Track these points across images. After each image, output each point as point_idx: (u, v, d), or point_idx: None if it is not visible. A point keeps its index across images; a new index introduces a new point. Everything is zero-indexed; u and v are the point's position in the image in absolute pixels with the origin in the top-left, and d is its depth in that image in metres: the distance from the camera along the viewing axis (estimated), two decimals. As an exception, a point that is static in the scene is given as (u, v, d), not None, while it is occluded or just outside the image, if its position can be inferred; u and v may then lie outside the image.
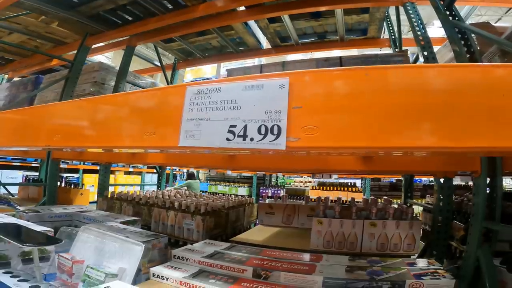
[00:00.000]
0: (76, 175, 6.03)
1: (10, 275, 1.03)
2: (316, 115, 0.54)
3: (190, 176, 5.80)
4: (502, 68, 0.49)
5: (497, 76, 0.48)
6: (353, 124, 0.52)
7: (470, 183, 2.01)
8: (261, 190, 6.58)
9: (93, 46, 2.50)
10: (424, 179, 5.72)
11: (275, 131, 0.56)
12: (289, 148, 0.54)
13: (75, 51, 2.39)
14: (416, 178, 4.99)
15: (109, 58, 6.33)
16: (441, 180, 1.45)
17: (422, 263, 0.99)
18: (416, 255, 1.28)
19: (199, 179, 6.55)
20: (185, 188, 3.60)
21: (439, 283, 0.80)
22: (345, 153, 1.06)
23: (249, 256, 1.05)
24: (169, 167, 4.03)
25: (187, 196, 2.13)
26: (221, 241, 1.29)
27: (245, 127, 0.59)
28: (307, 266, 0.96)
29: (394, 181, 5.80)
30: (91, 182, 5.87)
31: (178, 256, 1.07)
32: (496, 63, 1.03)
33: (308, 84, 0.57)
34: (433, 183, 3.16)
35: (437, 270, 0.88)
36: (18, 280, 0.99)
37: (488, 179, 1.04)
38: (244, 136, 0.58)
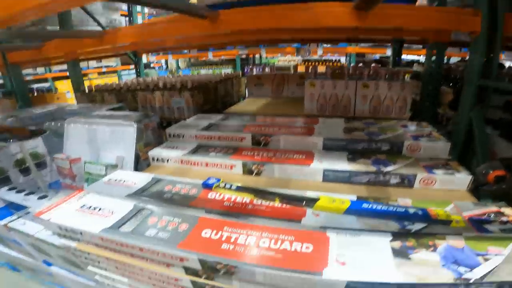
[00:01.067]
0: (46, 84, 5.47)
1: (15, 190, 0.99)
2: None
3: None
4: None
5: None
6: None
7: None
8: (245, 70, 6.34)
9: None
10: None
11: None
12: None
13: None
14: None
15: None
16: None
17: (415, 125, 1.01)
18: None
19: (179, 68, 6.15)
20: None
21: (436, 146, 0.82)
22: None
23: (245, 124, 1.04)
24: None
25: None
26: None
27: None
28: (305, 129, 0.97)
29: (378, 57, 5.68)
30: (64, 88, 5.36)
31: (174, 134, 1.04)
32: None
33: None
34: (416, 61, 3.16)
35: (432, 133, 0.91)
36: (25, 195, 0.95)
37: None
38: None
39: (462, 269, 0.43)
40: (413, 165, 0.77)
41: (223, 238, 0.51)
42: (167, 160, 0.92)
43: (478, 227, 0.53)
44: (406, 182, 0.74)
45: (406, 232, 0.51)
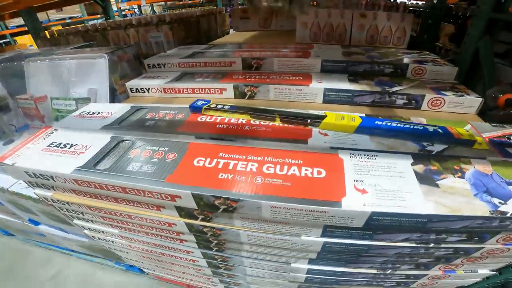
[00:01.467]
0: (5, 40, 4.83)
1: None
2: None
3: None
4: None
5: None
6: None
7: None
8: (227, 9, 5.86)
9: None
10: None
11: None
12: None
13: None
14: None
15: None
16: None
17: (416, 53, 0.92)
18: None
19: (154, 13, 5.58)
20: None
21: (442, 69, 0.76)
22: None
23: (233, 50, 0.92)
24: None
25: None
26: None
27: None
28: (300, 52, 0.87)
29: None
30: (27, 42, 4.75)
31: (153, 65, 0.92)
32: None
33: None
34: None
35: (436, 59, 0.83)
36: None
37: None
38: None
39: (496, 200, 0.38)
40: (419, 87, 0.71)
41: (220, 166, 0.44)
42: (148, 90, 0.81)
43: (501, 151, 0.47)
44: (414, 103, 0.68)
45: (427, 154, 0.46)
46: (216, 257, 0.66)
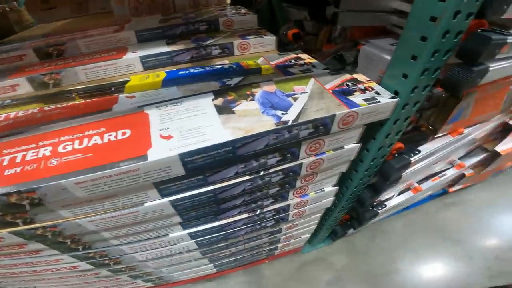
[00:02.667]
0: None
1: None
2: None
3: None
4: None
5: None
6: None
7: None
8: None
9: None
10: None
11: None
12: None
13: None
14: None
15: None
16: None
17: (230, 8, 1.00)
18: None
19: None
20: None
21: (246, 19, 0.84)
22: None
23: (25, 43, 0.77)
24: None
25: None
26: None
27: None
28: (112, 29, 0.80)
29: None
30: None
31: None
32: None
33: None
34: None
35: (242, 11, 0.91)
36: None
37: None
38: None
39: (279, 112, 0.45)
40: (230, 36, 0.77)
41: (5, 163, 0.37)
42: None
43: (284, 71, 0.57)
44: (227, 50, 0.74)
45: (226, 88, 0.51)
46: (91, 255, 0.59)
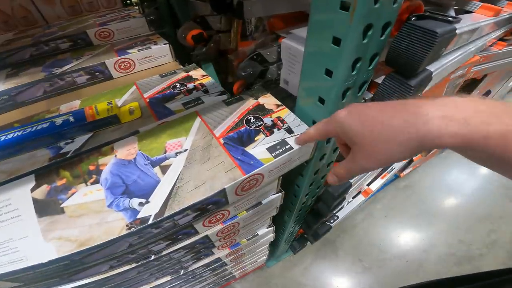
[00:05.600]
0: None
1: None
2: None
3: None
4: None
5: None
6: None
7: None
8: None
9: None
10: None
11: None
12: None
13: None
14: None
15: None
16: None
17: (116, 12, 0.76)
18: None
19: None
20: None
21: (130, 24, 0.63)
22: None
23: None
24: None
25: None
26: None
27: None
28: None
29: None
30: None
31: None
32: None
33: None
34: None
35: (130, 14, 0.69)
36: None
37: None
38: None
39: (135, 202, 0.27)
40: (104, 53, 0.56)
41: None
42: None
43: (158, 111, 0.39)
44: (99, 75, 0.53)
45: (61, 160, 0.32)
46: None
